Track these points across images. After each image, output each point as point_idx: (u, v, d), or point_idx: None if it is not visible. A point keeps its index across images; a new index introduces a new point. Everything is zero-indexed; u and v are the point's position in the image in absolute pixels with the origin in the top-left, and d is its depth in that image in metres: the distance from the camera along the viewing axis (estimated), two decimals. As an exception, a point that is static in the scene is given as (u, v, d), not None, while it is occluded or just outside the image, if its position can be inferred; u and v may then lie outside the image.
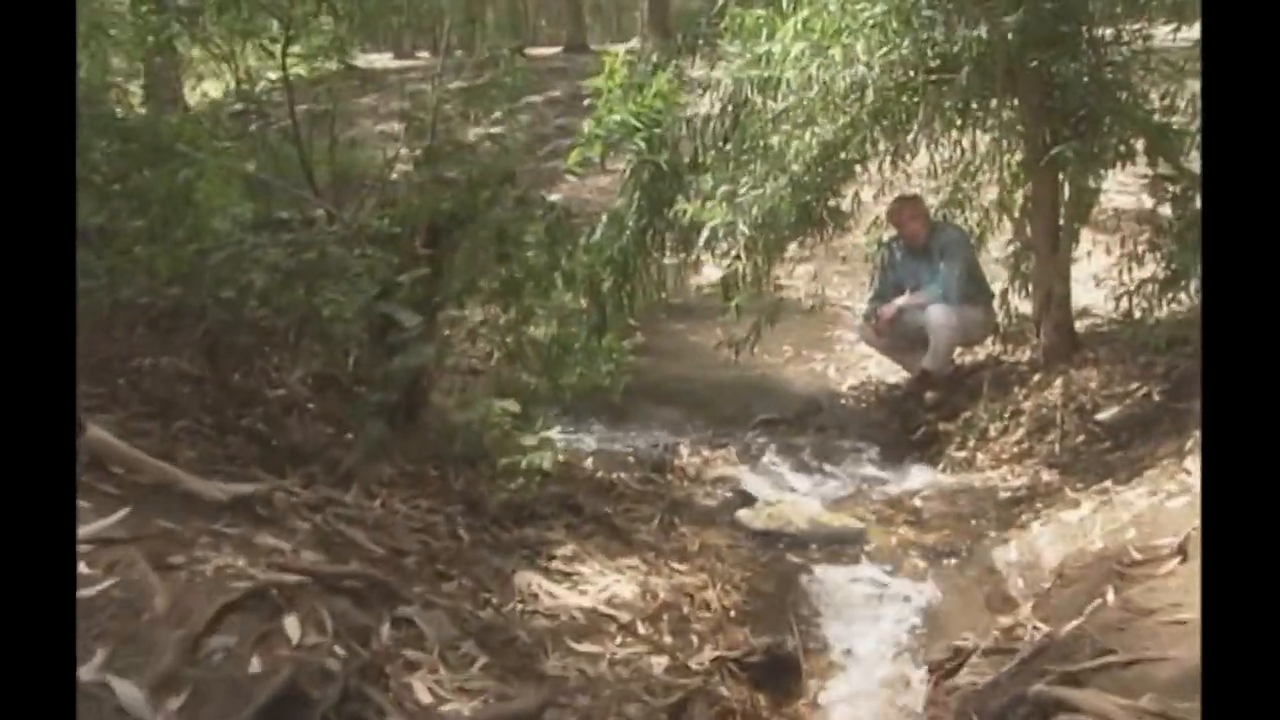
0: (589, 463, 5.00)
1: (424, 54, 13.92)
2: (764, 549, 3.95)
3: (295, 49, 4.52)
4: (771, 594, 3.59)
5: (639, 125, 5.00)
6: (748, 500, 4.37)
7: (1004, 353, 5.49)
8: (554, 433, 5.47)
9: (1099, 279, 5.85)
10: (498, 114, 4.60)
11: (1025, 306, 5.51)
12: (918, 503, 4.34)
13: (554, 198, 9.06)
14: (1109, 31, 4.85)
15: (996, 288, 5.59)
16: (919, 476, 4.70)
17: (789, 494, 4.59)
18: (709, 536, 3.98)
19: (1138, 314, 4.75)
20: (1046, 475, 4.34)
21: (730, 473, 4.89)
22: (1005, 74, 4.76)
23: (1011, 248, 5.50)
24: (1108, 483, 3.95)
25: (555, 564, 3.27)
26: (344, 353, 3.79)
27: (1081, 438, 4.47)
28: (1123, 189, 5.89)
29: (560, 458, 4.99)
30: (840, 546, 3.95)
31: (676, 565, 3.50)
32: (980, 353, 5.60)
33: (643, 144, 5.09)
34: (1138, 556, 2.77)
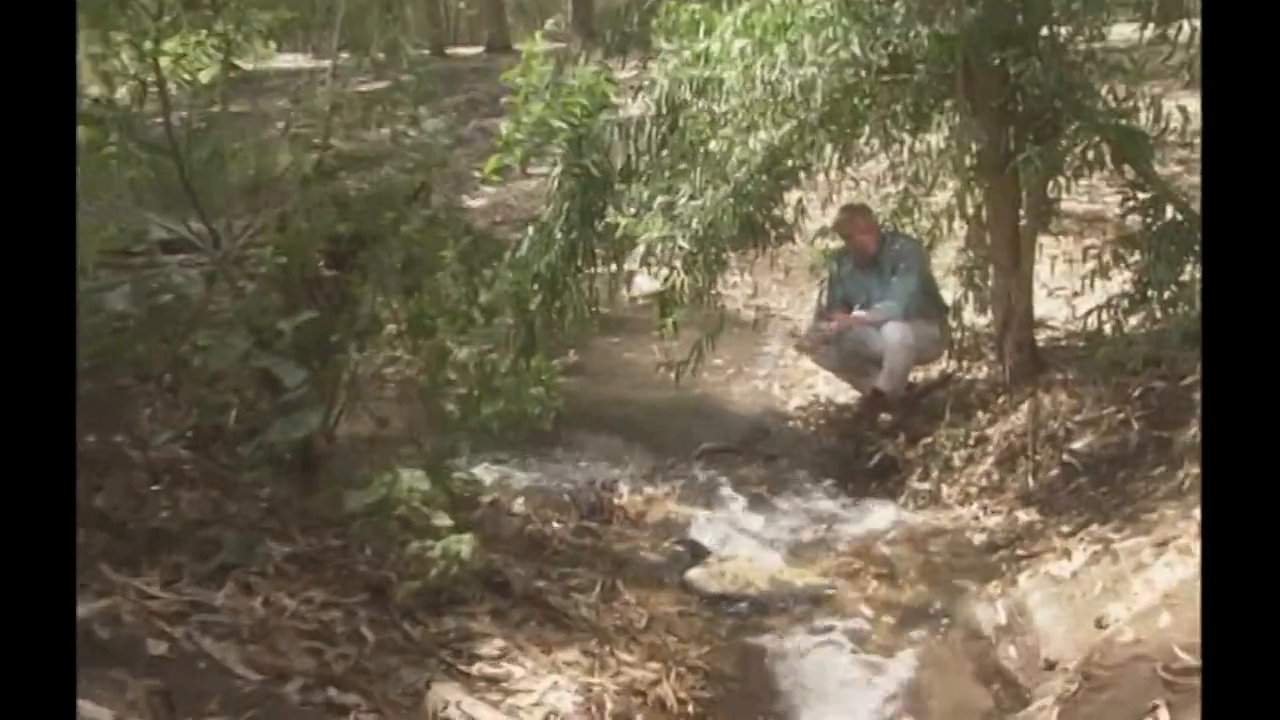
0: (519, 504, 4.34)
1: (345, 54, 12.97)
2: (721, 616, 3.34)
3: (170, 46, 3.76)
4: (734, 678, 2.98)
5: (563, 126, 4.32)
6: (698, 553, 3.75)
7: (958, 370, 4.95)
8: (480, 469, 4.84)
9: (1050, 289, 5.35)
10: (402, 121, 3.91)
11: (980, 320, 4.97)
12: (885, 549, 3.76)
13: (475, 203, 8.43)
14: (1068, 29, 4.31)
15: (947, 297, 5.04)
16: (882, 514, 4.12)
17: (743, 539, 3.98)
18: (658, 603, 3.35)
19: (1108, 330, 4.22)
20: (1023, 514, 3.80)
21: (676, 513, 4.26)
22: (963, 73, 4.19)
23: (964, 258, 4.94)
24: (1097, 527, 3.42)
25: (480, 666, 2.60)
26: (221, 408, 3.07)
27: (1056, 470, 3.93)
28: (1077, 196, 5.38)
29: (486, 498, 4.40)
30: (807, 609, 3.35)
31: (623, 655, 2.85)
32: (932, 370, 5.05)
33: (568, 147, 4.42)
34: (1189, 660, 2.21)
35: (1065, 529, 3.54)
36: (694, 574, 3.54)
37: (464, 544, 2.69)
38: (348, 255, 3.57)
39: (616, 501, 4.36)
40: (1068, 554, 3.31)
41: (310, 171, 3.30)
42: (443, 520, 2.74)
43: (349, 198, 3.40)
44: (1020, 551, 3.51)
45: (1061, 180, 4.29)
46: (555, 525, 3.93)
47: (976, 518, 3.90)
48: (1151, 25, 4.06)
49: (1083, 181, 4.67)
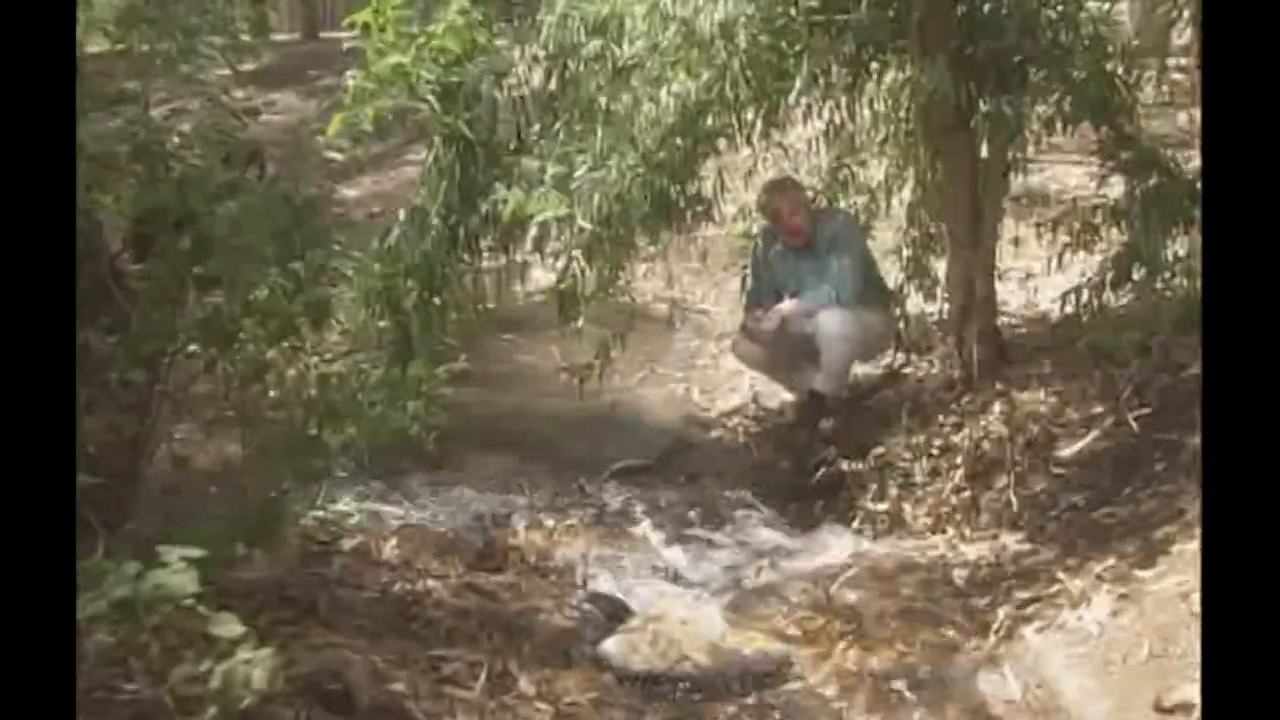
0: (391, 548, 3.40)
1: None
2: (649, 703, 2.46)
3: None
4: (673, 805, 2.11)
5: (426, 76, 3.37)
6: (615, 613, 2.86)
7: (906, 365, 4.16)
8: (343, 504, 3.89)
9: (999, 272, 4.62)
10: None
11: (927, 307, 4.20)
12: (848, 594, 2.93)
13: (351, 192, 7.37)
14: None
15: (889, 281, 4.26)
16: (836, 544, 3.31)
17: (670, 588, 3.12)
18: (564, 689, 2.46)
19: (1086, 314, 3.48)
20: (1011, 542, 3.02)
21: (584, 553, 3.37)
22: (912, 13, 3.40)
23: (909, 234, 4.16)
24: (1115, 561, 2.65)
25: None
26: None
27: (1043, 485, 3.17)
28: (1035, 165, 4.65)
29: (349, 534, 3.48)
30: (759, 689, 2.49)
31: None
32: (875, 365, 4.25)
33: (435, 104, 3.47)
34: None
35: (1070, 562, 2.77)
36: (611, 645, 2.65)
37: (257, 665, 1.74)
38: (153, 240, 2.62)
39: (511, 541, 3.46)
40: (1085, 598, 2.53)
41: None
42: (226, 628, 1.78)
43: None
44: (1021, 594, 2.73)
45: (1029, 137, 3.52)
46: (431, 582, 3.00)
47: (953, 547, 3.11)
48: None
49: (1031, 149, 3.95)
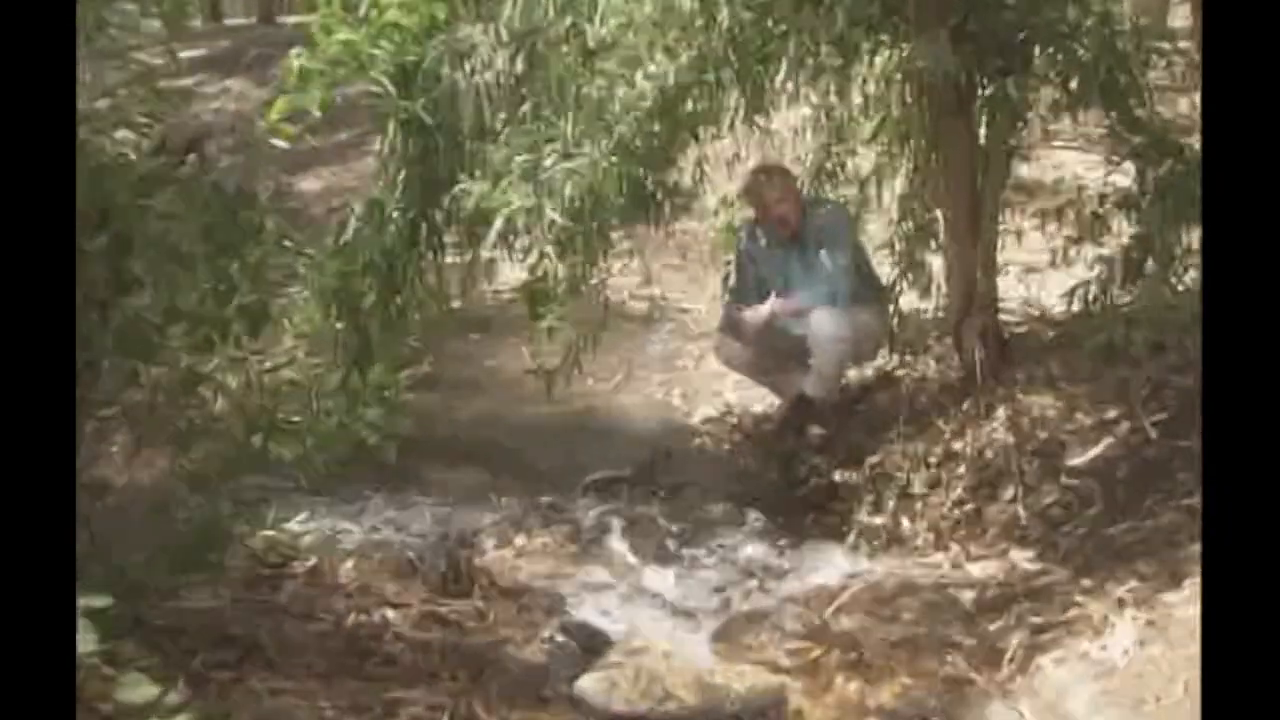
0: (347, 571, 3.19)
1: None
2: (630, 748, 2.26)
3: None
4: None
5: (379, 54, 3.14)
6: (592, 644, 2.66)
7: (900, 366, 3.98)
8: (296, 523, 3.68)
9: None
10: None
11: (922, 303, 4.01)
12: (845, 620, 2.74)
13: (307, 186, 7.11)
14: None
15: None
16: (830, 562, 3.12)
17: (651, 612, 2.92)
18: (537, 732, 2.26)
19: (1094, 313, 3.30)
20: (1020, 559, 2.85)
21: (557, 574, 3.17)
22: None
23: (903, 227, 3.97)
24: (1137, 583, 2.47)
25: None
26: None
27: (1053, 496, 2.99)
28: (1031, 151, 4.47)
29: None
30: (753, 731, 2.30)
31: None
32: (867, 367, 4.07)
33: (388, 86, 3.24)
34: None
35: (1086, 583, 2.60)
36: (588, 683, 2.45)
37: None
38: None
39: (478, 562, 3.25)
40: (1107, 624, 2.36)
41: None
42: (136, 691, 1.55)
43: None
44: (1034, 619, 2.54)
45: (1035, 121, 3.35)
46: (390, 612, 2.78)
47: (958, 565, 2.93)
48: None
49: (1038, 134, 3.78)
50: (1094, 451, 3.02)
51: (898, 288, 4.02)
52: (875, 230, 4.27)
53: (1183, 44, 4.96)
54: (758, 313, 3.76)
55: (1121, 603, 2.42)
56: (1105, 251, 3.39)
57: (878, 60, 3.65)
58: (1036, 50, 3.31)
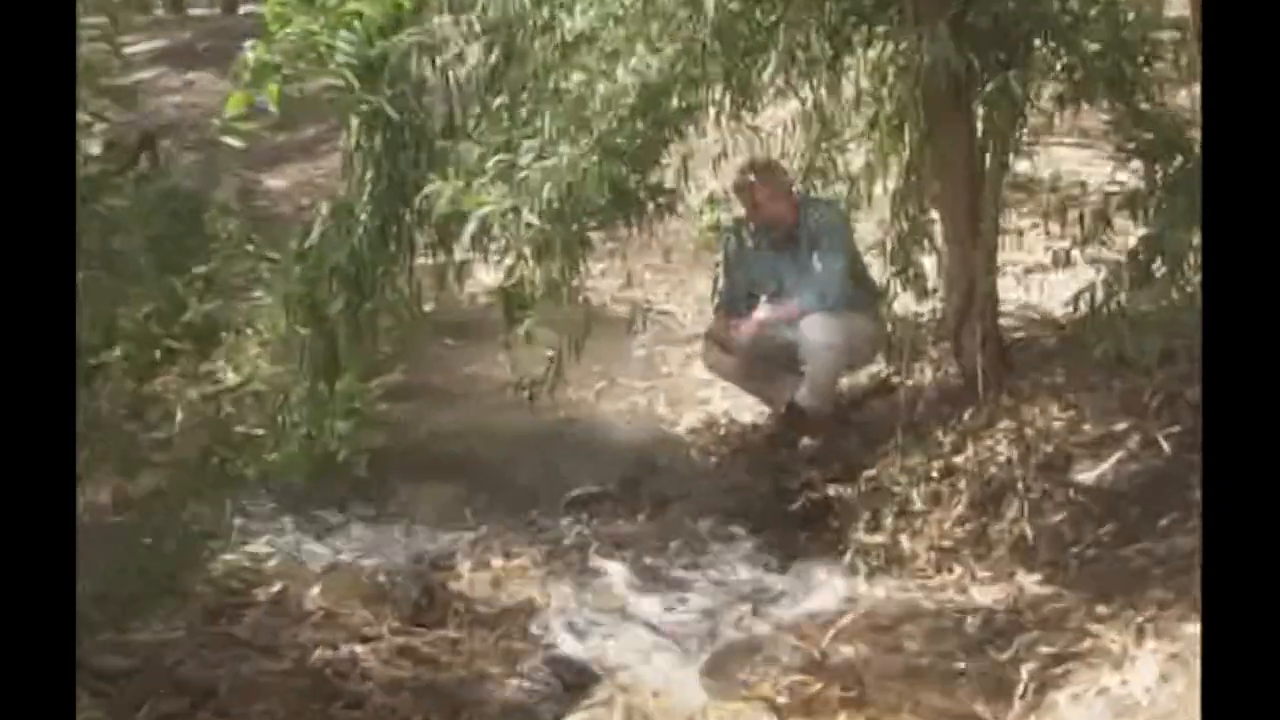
0: (314, 596, 3.05)
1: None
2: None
3: None
4: None
5: (342, 46, 2.98)
6: (577, 680, 2.52)
7: (895, 374, 3.85)
8: (260, 545, 3.54)
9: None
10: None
11: (915, 307, 3.88)
12: (844, 648, 2.61)
13: (275, 183, 6.92)
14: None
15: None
16: (827, 584, 2.98)
17: (639, 641, 2.78)
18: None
19: (1102, 318, 3.17)
20: (1029, 583, 2.72)
21: (538, 600, 3.03)
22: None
23: (896, 226, 3.84)
24: (1156, 610, 2.35)
25: None
26: None
27: (1061, 514, 2.87)
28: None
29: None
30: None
31: None
32: (861, 375, 3.93)
33: (351, 78, 3.07)
34: None
35: (1101, 610, 2.47)
36: (572, 726, 2.30)
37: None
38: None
39: (453, 586, 3.10)
40: (1126, 656, 2.23)
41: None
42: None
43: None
44: (1046, 648, 2.42)
45: (1040, 116, 3.22)
46: (359, 647, 2.63)
47: (963, 589, 2.80)
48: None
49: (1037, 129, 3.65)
50: (1103, 466, 2.91)
51: (891, 291, 3.89)
52: (866, 230, 4.14)
53: (1180, 34, 4.87)
54: (747, 323, 3.62)
55: (1141, 632, 2.30)
56: (1110, 254, 3.27)
57: (870, 53, 3.52)
58: (1038, 41, 3.19)
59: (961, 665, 2.47)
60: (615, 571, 3.18)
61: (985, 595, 2.74)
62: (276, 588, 3.13)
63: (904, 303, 3.89)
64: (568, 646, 2.75)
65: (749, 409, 4.02)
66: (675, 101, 3.32)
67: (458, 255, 3.76)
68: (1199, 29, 3.95)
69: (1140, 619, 2.34)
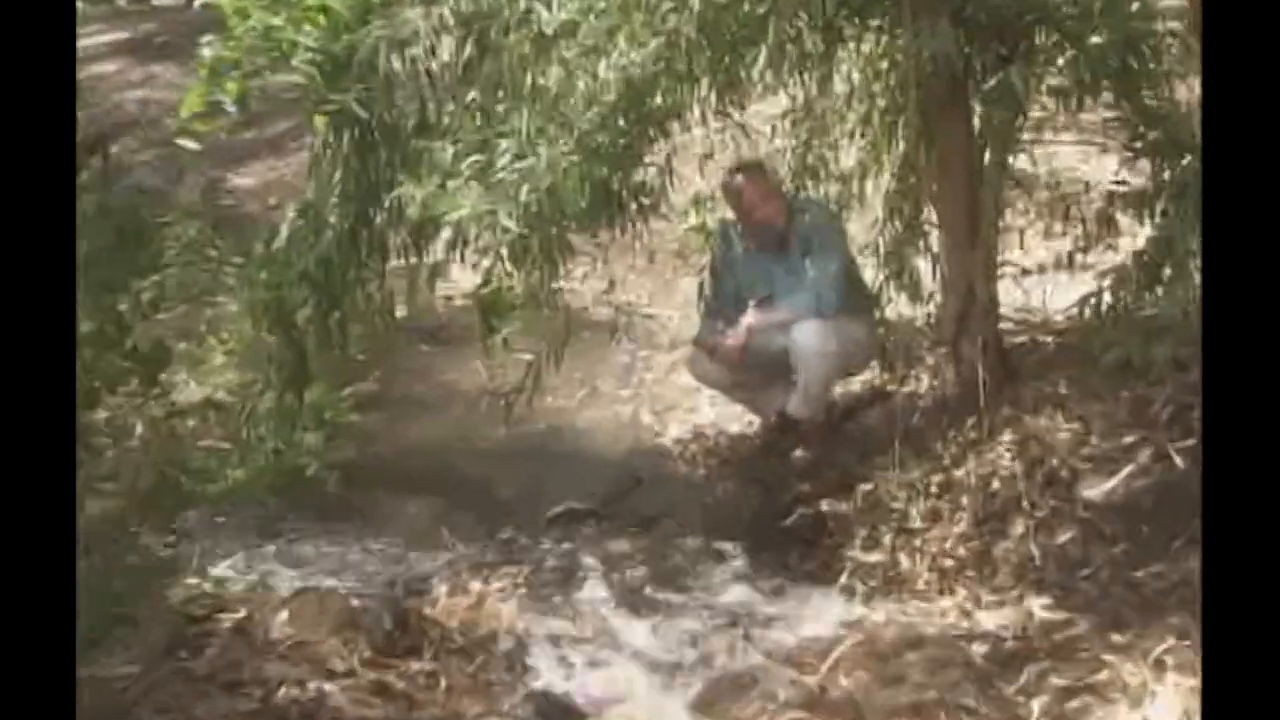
0: (280, 623, 2.89)
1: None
2: None
3: None
4: None
5: (307, 44, 2.82)
6: (561, 715, 2.38)
7: (890, 381, 3.72)
8: (224, 567, 3.40)
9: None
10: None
11: (909, 311, 3.76)
12: (843, 679, 2.48)
13: (243, 181, 6.74)
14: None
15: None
16: (823, 608, 2.86)
17: (626, 670, 2.65)
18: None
19: (1108, 324, 3.06)
20: (1040, 609, 2.60)
21: (518, 626, 2.89)
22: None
23: (890, 227, 3.72)
24: (1175, 640, 2.23)
25: None
26: None
27: (1070, 533, 2.75)
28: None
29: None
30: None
31: None
32: (854, 382, 3.81)
33: (316, 77, 2.92)
34: None
35: (1117, 638, 2.36)
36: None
37: None
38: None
39: (429, 613, 2.96)
40: (1146, 691, 2.12)
41: None
42: None
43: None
44: (1058, 680, 2.30)
45: (1044, 112, 3.11)
46: (327, 685, 2.48)
47: (967, 614, 2.68)
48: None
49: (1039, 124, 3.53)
50: (1113, 482, 2.79)
51: (885, 294, 3.77)
52: (857, 230, 4.02)
53: (1175, 24, 4.77)
54: (736, 329, 3.49)
55: (1161, 665, 2.19)
56: (1115, 256, 3.16)
57: (864, 46, 3.40)
58: (1040, 34, 3.07)
59: (968, 698, 2.35)
60: (600, 595, 3.04)
61: (991, 620, 2.62)
62: (240, 614, 2.98)
63: (896, 306, 3.78)
64: (550, 678, 2.61)
65: (737, 418, 3.89)
66: (659, 98, 3.19)
67: (431, 259, 3.62)
68: (1197, 22, 3.86)
69: (1158, 650, 2.23)
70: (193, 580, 3.10)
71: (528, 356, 3.35)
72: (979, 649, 2.52)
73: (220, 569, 3.25)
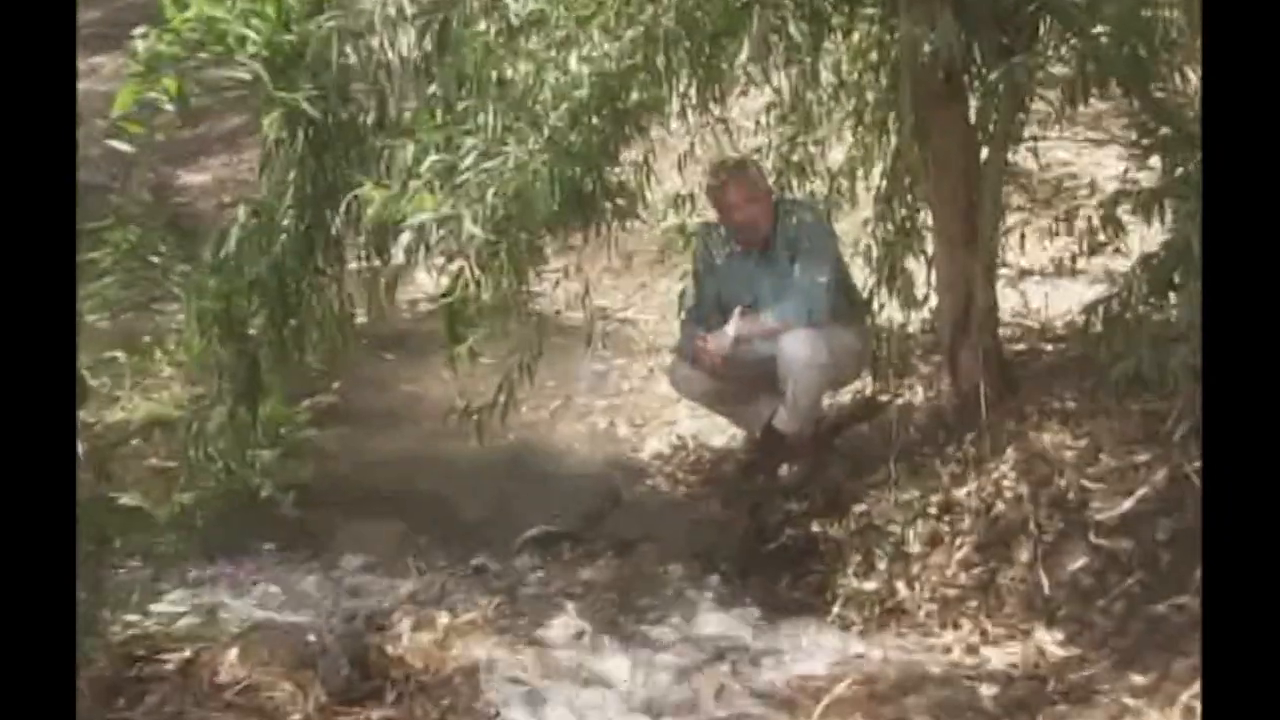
0: (230, 663, 2.70)
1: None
2: None
3: None
4: None
5: (251, 34, 2.61)
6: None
7: (883, 393, 3.56)
8: (170, 601, 3.21)
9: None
10: None
11: (901, 318, 3.60)
12: (838, 723, 2.32)
13: (195, 179, 6.49)
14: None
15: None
16: (817, 643, 2.69)
17: (602, 714, 2.48)
18: None
19: (1117, 333, 2.91)
20: (1052, 644, 2.44)
21: (489, 663, 2.70)
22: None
23: (880, 230, 3.55)
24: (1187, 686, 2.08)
25: None
26: None
27: (1081, 560, 2.60)
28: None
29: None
30: None
31: None
32: (844, 394, 3.65)
33: (262, 73, 2.71)
34: None
35: (1138, 679, 2.21)
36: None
37: None
38: None
39: (391, 651, 2.77)
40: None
41: None
42: None
43: None
44: (1072, 726, 2.14)
45: (1049, 108, 2.95)
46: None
47: (972, 649, 2.52)
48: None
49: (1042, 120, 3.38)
50: (1126, 505, 2.64)
51: (876, 299, 3.61)
52: (849, 231, 3.85)
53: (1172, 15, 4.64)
54: (721, 339, 3.31)
55: (1190, 713, 2.03)
56: (1122, 260, 3.01)
57: (855, 37, 3.23)
58: (1044, 24, 2.92)
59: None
60: (575, 628, 2.86)
61: (999, 657, 2.46)
62: (186, 654, 2.78)
63: (888, 313, 3.62)
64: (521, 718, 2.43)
65: (720, 431, 3.72)
66: (635, 93, 3.01)
67: (391, 264, 3.43)
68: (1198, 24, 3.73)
69: (1186, 696, 2.08)
70: (132, 616, 2.90)
71: (494, 364, 3.17)
72: (988, 691, 2.36)
73: (163, 604, 3.05)
